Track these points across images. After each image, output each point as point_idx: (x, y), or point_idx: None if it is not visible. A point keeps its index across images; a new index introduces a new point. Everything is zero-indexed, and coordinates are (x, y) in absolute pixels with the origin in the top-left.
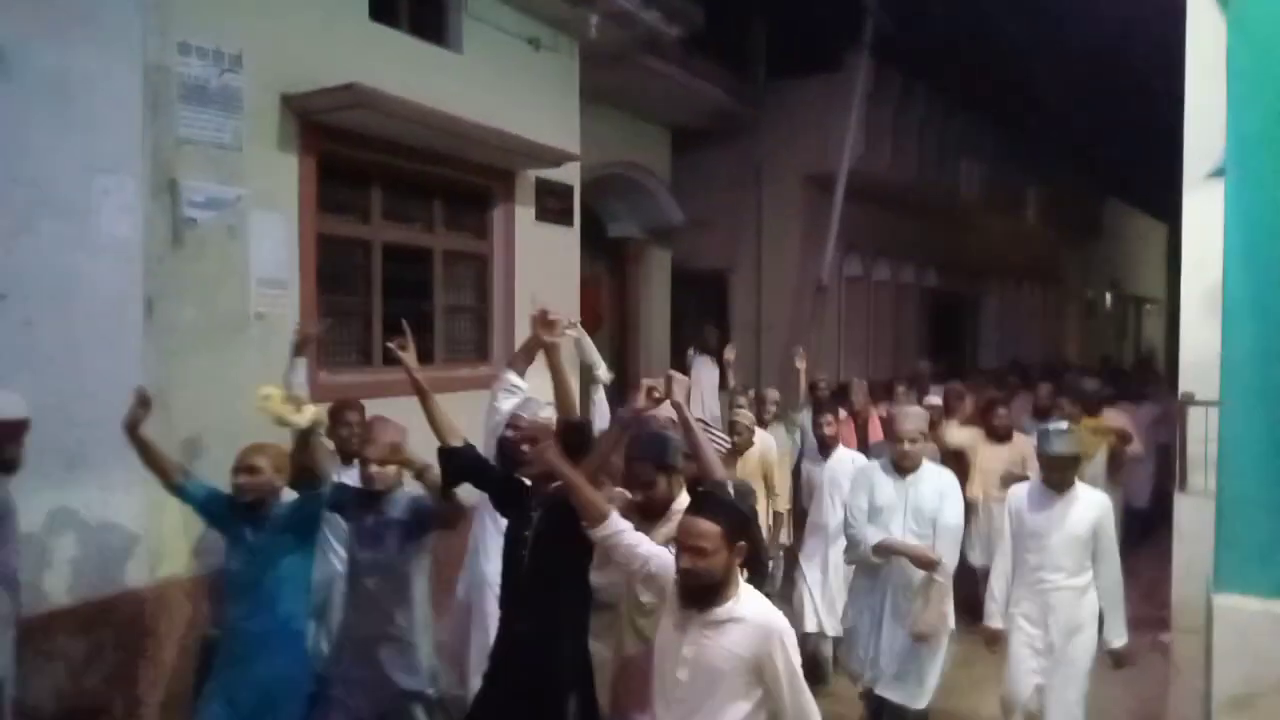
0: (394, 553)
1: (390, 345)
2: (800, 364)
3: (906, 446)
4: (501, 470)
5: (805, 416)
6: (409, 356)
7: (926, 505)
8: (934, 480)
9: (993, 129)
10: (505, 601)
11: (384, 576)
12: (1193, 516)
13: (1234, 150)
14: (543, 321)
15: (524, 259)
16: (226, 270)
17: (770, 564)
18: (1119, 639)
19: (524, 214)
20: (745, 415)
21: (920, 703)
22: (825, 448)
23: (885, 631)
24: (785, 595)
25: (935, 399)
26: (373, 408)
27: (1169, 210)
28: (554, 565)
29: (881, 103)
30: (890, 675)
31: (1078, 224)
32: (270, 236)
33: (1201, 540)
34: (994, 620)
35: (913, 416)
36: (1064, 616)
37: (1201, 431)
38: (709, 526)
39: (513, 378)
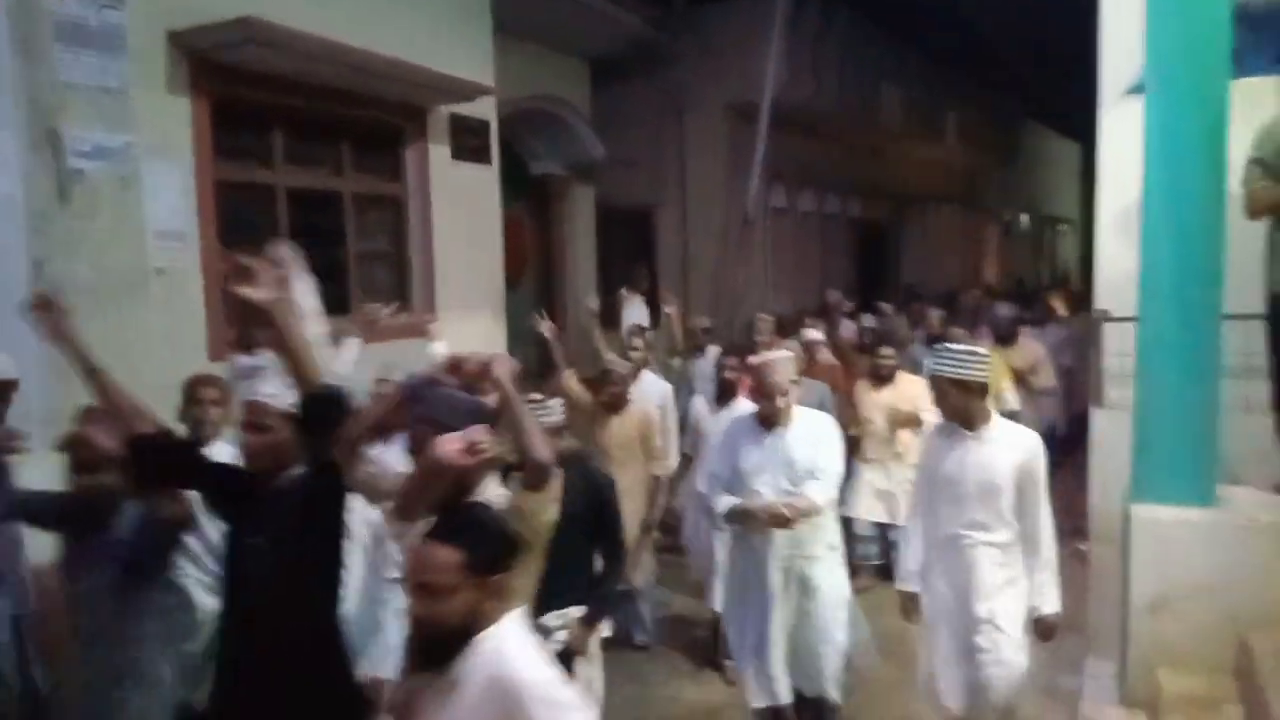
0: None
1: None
2: (669, 309)
3: (778, 402)
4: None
5: (694, 365)
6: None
7: (800, 457)
8: (806, 428)
9: (911, 55)
10: (232, 630)
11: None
12: (1109, 429)
13: (1153, 66)
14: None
15: (441, 200)
16: (120, 224)
17: (626, 560)
18: (1049, 606)
19: (439, 153)
20: (620, 364)
21: (832, 692)
22: (725, 395)
23: (775, 616)
24: (689, 569)
25: (815, 333)
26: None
27: (1082, 131)
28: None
29: (802, 29)
30: (790, 665)
31: (995, 148)
32: (166, 186)
33: (1118, 452)
34: (907, 583)
35: (779, 366)
36: (987, 579)
37: (1117, 347)
38: (445, 556)
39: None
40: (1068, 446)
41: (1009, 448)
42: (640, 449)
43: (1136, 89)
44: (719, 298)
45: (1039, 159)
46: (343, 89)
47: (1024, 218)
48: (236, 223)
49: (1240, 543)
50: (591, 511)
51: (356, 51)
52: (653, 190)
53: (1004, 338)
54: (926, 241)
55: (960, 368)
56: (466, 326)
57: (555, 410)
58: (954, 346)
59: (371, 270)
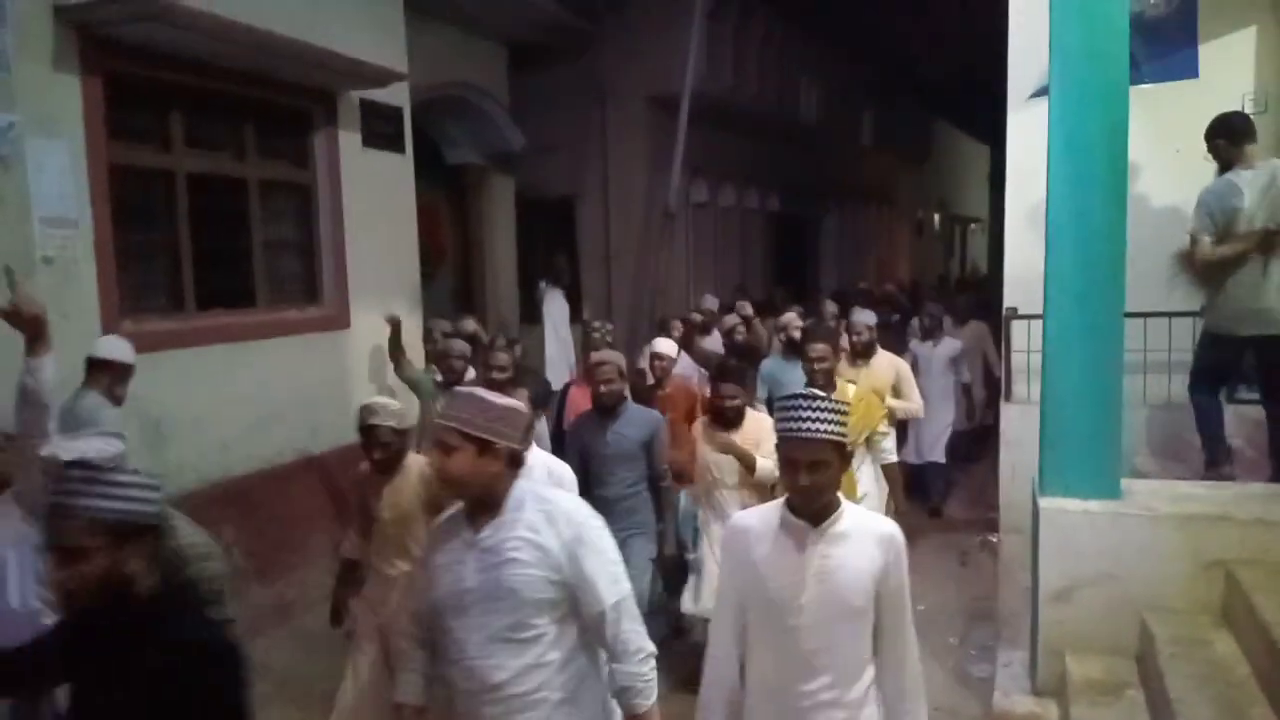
0: None
1: None
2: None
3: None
4: None
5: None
6: None
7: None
8: (637, 421)
9: (829, 52)
10: None
11: None
12: (1018, 424)
13: (1056, 71)
14: None
15: (352, 188)
16: (2, 209)
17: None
18: None
19: (349, 139)
20: (614, 355)
21: None
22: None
23: None
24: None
25: (666, 343)
26: (186, 357)
27: (992, 133)
28: None
29: (723, 22)
30: None
31: (909, 147)
32: (53, 168)
33: (1026, 446)
34: None
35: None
36: None
37: (1025, 343)
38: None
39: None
40: (971, 449)
41: (861, 547)
42: None
43: (1041, 93)
44: (640, 291)
45: (950, 160)
46: (246, 70)
47: (936, 217)
48: (132, 208)
49: (1141, 533)
50: None
51: (259, 32)
52: (573, 181)
53: (862, 351)
54: (844, 238)
55: (817, 423)
56: (380, 319)
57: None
58: (806, 395)
59: (278, 260)
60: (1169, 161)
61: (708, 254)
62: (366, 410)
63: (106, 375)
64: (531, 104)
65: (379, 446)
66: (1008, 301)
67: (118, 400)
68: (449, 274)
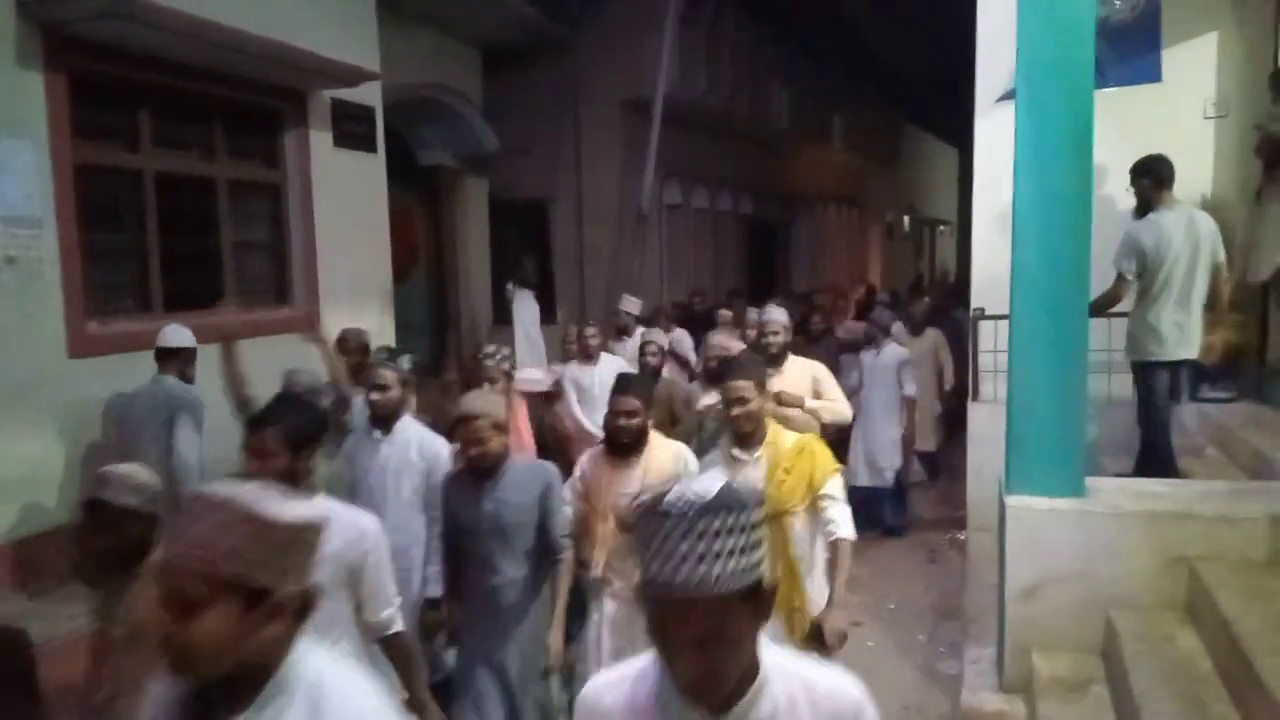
0: None
1: None
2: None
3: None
4: None
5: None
6: None
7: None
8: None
9: (800, 57)
10: None
11: None
12: (985, 423)
13: (1023, 73)
14: None
15: (323, 189)
16: None
17: None
18: None
19: (320, 139)
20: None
21: None
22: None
23: None
24: None
25: (534, 374)
26: (151, 360)
27: (960, 136)
28: None
29: (695, 26)
30: None
31: (879, 150)
32: (16, 168)
33: (993, 445)
34: None
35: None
36: None
37: (992, 343)
38: None
39: None
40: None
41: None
42: None
43: (1008, 96)
44: (614, 293)
45: (920, 162)
46: (214, 69)
47: (906, 219)
48: (99, 208)
49: (1106, 530)
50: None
51: (228, 29)
52: (547, 183)
53: (775, 356)
54: (815, 241)
55: (712, 563)
56: (352, 321)
57: None
58: (684, 508)
59: (248, 261)
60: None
61: (680, 255)
62: (100, 480)
63: (177, 360)
64: (505, 107)
65: (106, 530)
66: (975, 302)
67: (189, 380)
68: (422, 276)
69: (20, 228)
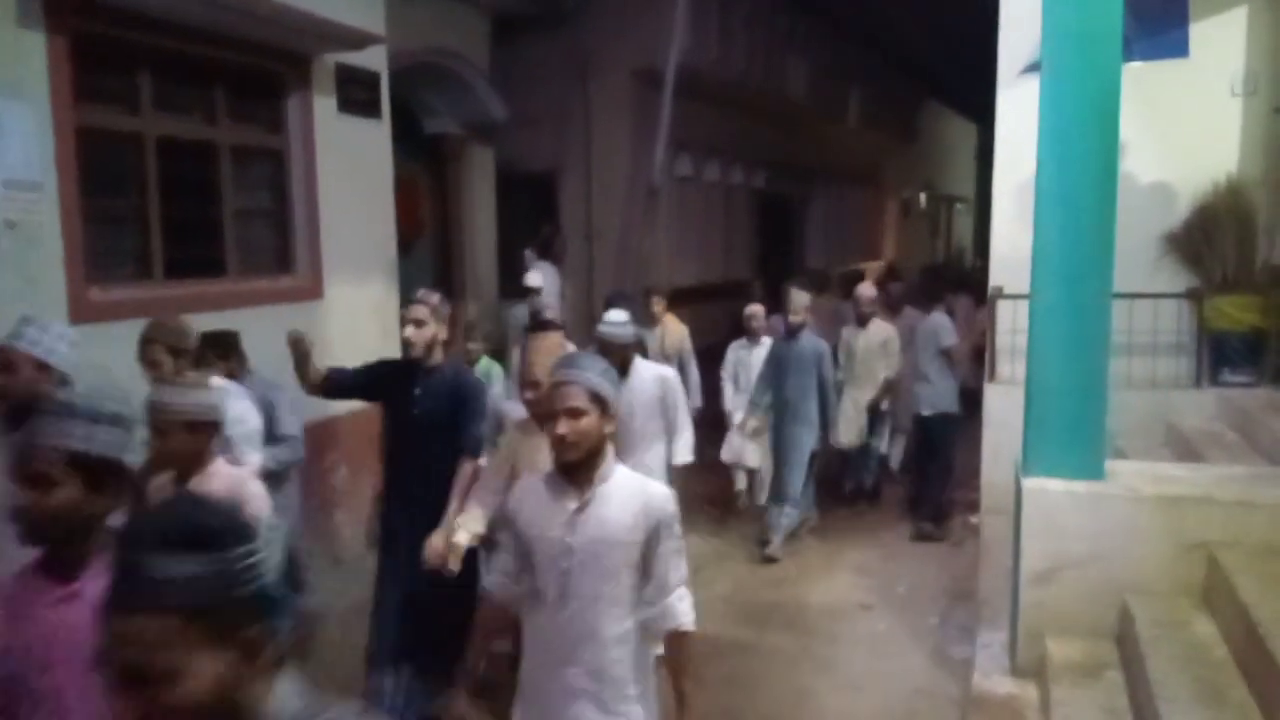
0: None
1: None
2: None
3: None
4: None
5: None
6: None
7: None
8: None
9: (817, 30)
10: None
11: None
12: (1002, 404)
13: (1048, 47)
14: None
15: (326, 155)
16: None
17: None
18: None
19: (324, 104)
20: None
21: None
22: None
23: None
24: None
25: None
26: None
27: (980, 111)
28: None
29: None
30: None
31: (896, 126)
32: (16, 131)
33: (1009, 427)
34: None
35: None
36: None
37: (1010, 324)
38: None
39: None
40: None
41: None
42: None
43: (1032, 68)
44: (623, 266)
45: (938, 138)
46: (217, 31)
47: (923, 196)
48: (100, 172)
49: (1124, 514)
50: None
51: None
52: (556, 154)
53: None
54: (830, 217)
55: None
56: (356, 292)
57: None
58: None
59: (250, 228)
60: (1158, 140)
61: (691, 229)
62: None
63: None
64: (514, 76)
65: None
66: (994, 281)
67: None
68: (427, 247)
69: (21, 191)
